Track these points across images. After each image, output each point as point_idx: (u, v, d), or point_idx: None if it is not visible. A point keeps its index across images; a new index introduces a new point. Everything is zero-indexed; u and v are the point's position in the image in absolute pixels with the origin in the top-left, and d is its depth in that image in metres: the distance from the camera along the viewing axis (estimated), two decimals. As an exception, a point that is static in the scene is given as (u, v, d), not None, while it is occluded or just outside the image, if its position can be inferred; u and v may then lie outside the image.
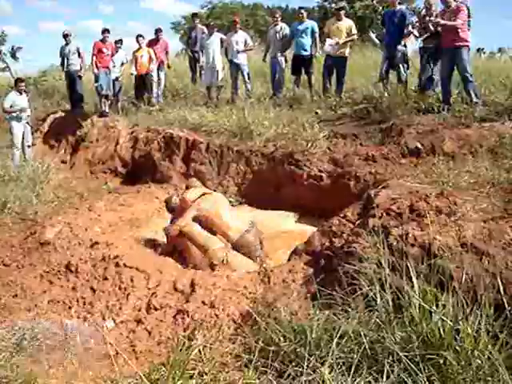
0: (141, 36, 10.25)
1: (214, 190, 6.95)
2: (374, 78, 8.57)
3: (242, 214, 6.26)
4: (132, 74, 10.35)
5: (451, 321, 2.54)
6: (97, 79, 10.02)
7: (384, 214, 3.99)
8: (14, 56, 16.78)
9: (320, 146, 6.67)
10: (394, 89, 7.68)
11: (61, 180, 7.56)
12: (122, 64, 10.52)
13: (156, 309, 3.94)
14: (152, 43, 10.43)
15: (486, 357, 2.36)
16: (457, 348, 2.43)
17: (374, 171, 5.82)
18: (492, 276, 2.95)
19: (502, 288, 2.78)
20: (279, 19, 9.41)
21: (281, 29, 9.27)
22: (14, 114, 8.25)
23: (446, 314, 2.59)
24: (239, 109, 8.24)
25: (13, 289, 4.38)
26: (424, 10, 7.47)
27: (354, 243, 3.77)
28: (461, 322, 2.53)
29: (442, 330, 2.52)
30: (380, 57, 8.62)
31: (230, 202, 6.94)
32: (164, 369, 2.81)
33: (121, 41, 10.57)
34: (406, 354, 2.46)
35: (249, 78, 9.90)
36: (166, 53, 10.90)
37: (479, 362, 2.36)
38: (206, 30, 10.47)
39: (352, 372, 2.47)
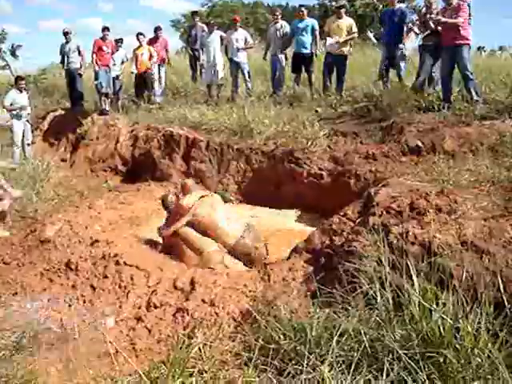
0: (141, 34, 10.24)
1: (215, 191, 6.98)
2: (375, 76, 8.57)
3: (242, 212, 6.26)
4: (132, 73, 10.35)
5: (451, 319, 2.53)
6: (97, 77, 10.03)
7: (384, 212, 3.99)
8: (13, 54, 16.76)
9: (320, 144, 6.67)
10: (394, 87, 7.67)
11: (61, 178, 7.57)
12: (123, 62, 10.53)
13: (156, 307, 3.94)
14: (152, 41, 10.44)
15: (485, 355, 2.36)
16: (457, 346, 2.43)
17: (375, 169, 5.82)
18: (492, 274, 2.95)
19: (502, 286, 2.78)
20: (279, 17, 9.41)
21: (281, 27, 9.26)
22: (14, 112, 8.25)
23: (446, 312, 2.59)
24: (239, 107, 8.24)
25: (13, 287, 4.38)
26: (424, 8, 7.45)
27: (354, 241, 3.77)
28: (461, 321, 2.53)
29: (442, 328, 2.52)
30: (380, 55, 8.61)
31: (230, 200, 6.96)
32: (164, 367, 2.81)
33: (121, 40, 10.57)
34: (405, 352, 2.46)
35: (249, 76, 9.90)
36: (166, 50, 10.90)
37: (479, 360, 2.36)
38: (206, 28, 10.47)
39: (352, 370, 2.46)
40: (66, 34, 10.24)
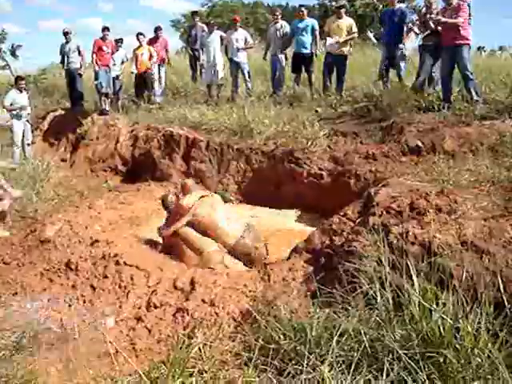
0: (141, 34, 10.24)
1: (215, 191, 6.97)
2: (375, 76, 8.57)
3: (242, 212, 6.27)
4: (132, 73, 10.35)
5: (451, 319, 2.53)
6: (97, 77, 10.03)
7: (384, 212, 3.99)
8: (13, 54, 16.76)
9: (320, 144, 6.67)
10: (394, 87, 7.67)
11: (61, 178, 7.57)
12: (122, 62, 10.53)
13: (156, 307, 3.94)
14: (152, 41, 10.44)
15: (485, 355, 2.36)
16: (457, 346, 2.43)
17: (375, 169, 5.82)
18: (492, 274, 2.95)
19: (502, 286, 2.78)
20: (279, 17, 9.41)
21: (281, 27, 9.26)
22: (14, 112, 8.26)
23: (446, 312, 2.59)
24: (239, 107, 8.24)
25: (13, 287, 4.38)
26: (424, 8, 7.45)
27: (354, 241, 3.77)
28: (461, 321, 2.53)
29: (441, 328, 2.52)
30: (380, 55, 8.61)
31: (231, 200, 6.96)
32: (164, 367, 2.81)
33: (121, 40, 10.57)
34: (405, 352, 2.46)
35: (249, 77, 9.90)
36: (166, 51, 10.90)
37: (479, 360, 2.36)
38: (206, 28, 10.47)
39: (352, 370, 2.46)
40: (65, 33, 10.24)
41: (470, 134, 5.79)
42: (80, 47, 10.40)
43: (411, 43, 8.02)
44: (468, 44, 6.70)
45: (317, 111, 7.99)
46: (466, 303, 2.64)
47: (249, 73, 9.87)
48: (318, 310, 3.08)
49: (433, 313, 2.61)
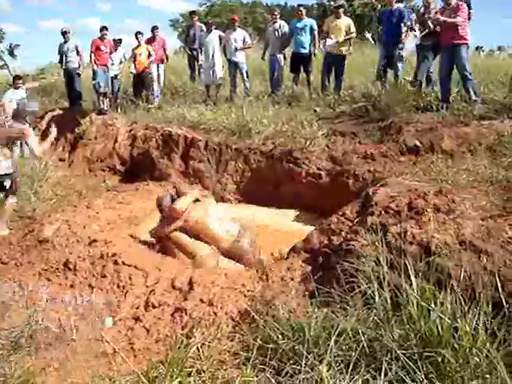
0: (140, 33, 10.22)
1: (213, 191, 6.98)
2: (373, 76, 8.57)
3: (240, 212, 6.27)
4: (131, 73, 10.35)
5: (449, 319, 2.54)
6: (95, 77, 10.02)
7: (382, 212, 3.99)
8: (11, 53, 16.71)
9: (319, 144, 6.67)
10: (392, 87, 7.68)
11: (59, 178, 7.55)
12: (121, 62, 10.51)
13: (154, 307, 3.94)
14: (149, 41, 10.42)
15: (484, 354, 2.36)
16: (455, 346, 2.43)
17: (373, 169, 5.82)
18: (490, 274, 2.95)
19: (500, 286, 2.78)
20: (278, 17, 9.40)
21: (280, 26, 9.25)
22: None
23: (444, 311, 2.59)
24: (238, 107, 8.23)
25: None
26: (422, 8, 7.46)
27: (352, 241, 3.77)
28: (459, 320, 2.53)
29: (440, 327, 2.52)
30: (378, 55, 8.62)
31: (229, 200, 6.96)
32: (162, 367, 2.81)
33: (120, 40, 10.56)
34: (404, 351, 2.46)
35: (247, 76, 9.89)
36: (164, 50, 10.88)
37: (477, 359, 2.36)
38: (204, 28, 10.45)
39: (350, 370, 2.46)
40: (64, 33, 10.21)
41: (468, 134, 5.80)
42: (78, 47, 10.37)
43: (410, 43, 8.02)
44: (466, 44, 6.71)
45: (315, 111, 7.99)
46: (464, 303, 2.64)
47: (247, 72, 9.86)
48: (316, 310, 3.08)
49: (431, 312, 2.61)
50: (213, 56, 9.79)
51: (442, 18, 6.65)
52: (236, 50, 9.57)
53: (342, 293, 3.10)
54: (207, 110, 8.64)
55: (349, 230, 4.18)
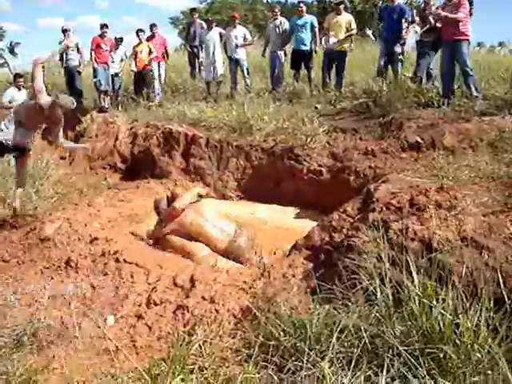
0: (141, 31, 10.19)
1: (214, 188, 6.98)
2: (374, 72, 8.55)
3: (241, 209, 6.27)
4: (132, 71, 10.34)
5: (451, 315, 2.53)
6: (95, 75, 10.01)
7: (384, 209, 3.98)
8: (12, 52, 16.73)
9: (320, 141, 6.66)
10: (393, 83, 7.66)
11: (60, 176, 7.56)
12: (122, 60, 10.50)
13: (156, 304, 3.95)
14: (149, 39, 10.39)
15: (485, 350, 2.36)
16: (457, 342, 2.43)
17: (374, 165, 5.81)
18: (492, 270, 2.95)
19: (501, 282, 2.78)
20: (278, 14, 9.38)
21: (280, 23, 9.23)
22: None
23: (445, 308, 2.59)
24: (239, 104, 8.22)
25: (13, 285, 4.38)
26: (423, 5, 7.44)
27: (353, 238, 3.77)
28: (460, 316, 2.53)
29: (441, 324, 2.52)
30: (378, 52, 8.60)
31: (230, 197, 6.96)
32: (164, 364, 2.82)
33: (121, 39, 10.54)
34: (405, 348, 2.46)
35: (248, 73, 9.88)
36: (165, 48, 10.87)
37: (479, 355, 2.36)
38: (204, 25, 10.44)
39: (352, 366, 2.47)
40: (64, 31, 10.20)
41: (469, 130, 5.78)
42: (79, 45, 10.36)
43: (410, 38, 8.01)
44: (467, 40, 6.68)
45: (316, 108, 7.98)
46: (465, 299, 2.64)
47: (248, 69, 9.85)
48: (317, 307, 3.08)
49: (433, 309, 2.61)
50: (213, 53, 9.78)
51: (444, 14, 6.63)
52: (236, 47, 9.56)
53: (344, 289, 3.10)
54: (208, 108, 8.63)
55: (350, 226, 4.18)
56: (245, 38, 9.67)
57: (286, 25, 9.19)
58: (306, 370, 2.52)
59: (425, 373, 2.34)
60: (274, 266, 4.19)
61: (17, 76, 8.74)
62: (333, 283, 3.27)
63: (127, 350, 3.35)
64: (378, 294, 2.88)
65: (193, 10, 11.84)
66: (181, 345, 2.91)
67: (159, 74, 10.56)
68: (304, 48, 8.94)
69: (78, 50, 10.32)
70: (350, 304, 2.94)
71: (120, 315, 3.88)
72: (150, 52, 10.05)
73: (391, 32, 7.90)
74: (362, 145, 6.37)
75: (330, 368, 2.45)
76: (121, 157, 8.67)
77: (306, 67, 9.23)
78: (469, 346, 2.40)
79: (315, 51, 9.07)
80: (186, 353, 2.86)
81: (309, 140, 6.65)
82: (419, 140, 5.96)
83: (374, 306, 2.87)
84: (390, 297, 2.84)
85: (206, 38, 9.94)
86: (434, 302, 2.64)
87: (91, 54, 9.99)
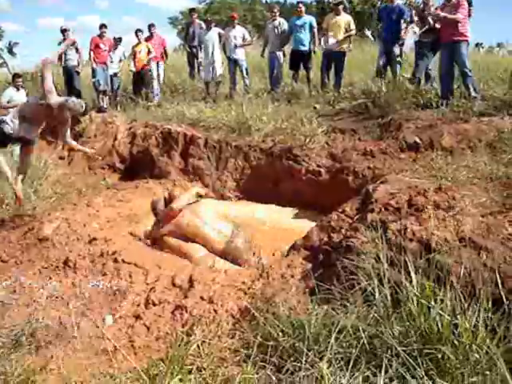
0: (140, 31, 10.20)
1: (213, 189, 6.97)
2: (373, 72, 8.56)
3: (240, 209, 6.26)
4: (131, 71, 10.34)
5: (449, 315, 2.54)
6: (94, 75, 10.00)
7: (382, 209, 3.99)
8: (10, 51, 16.71)
9: (318, 141, 6.66)
10: (392, 84, 7.67)
11: (59, 176, 7.54)
12: (121, 60, 10.50)
13: (154, 304, 3.94)
14: (147, 39, 10.39)
15: (484, 351, 2.36)
16: (455, 342, 2.44)
17: (373, 166, 5.81)
18: (490, 270, 2.95)
19: (500, 282, 2.78)
20: (277, 14, 9.38)
21: (279, 24, 9.24)
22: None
23: (444, 308, 2.59)
24: (237, 104, 8.21)
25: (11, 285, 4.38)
26: (422, 5, 7.44)
27: (352, 238, 3.77)
28: (459, 317, 2.53)
29: (440, 324, 2.52)
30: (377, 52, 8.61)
31: (229, 197, 6.96)
32: (162, 364, 2.82)
33: (120, 39, 10.54)
34: (404, 348, 2.46)
35: (247, 74, 9.88)
36: (164, 49, 10.87)
37: (477, 356, 2.36)
38: (203, 25, 10.44)
39: (350, 367, 2.47)
40: (63, 31, 10.18)
41: (468, 131, 5.79)
42: (77, 45, 10.35)
43: (409, 39, 8.02)
44: (466, 40, 6.69)
45: (315, 108, 7.98)
46: (464, 299, 2.65)
47: (247, 70, 9.86)
48: (316, 307, 3.08)
49: (431, 309, 2.62)
50: (212, 53, 9.79)
51: (443, 14, 6.63)
52: (235, 47, 9.57)
53: (342, 290, 3.10)
54: (207, 108, 8.63)
55: (349, 227, 4.18)
56: (244, 39, 9.67)
57: (285, 25, 9.20)
58: (304, 371, 2.52)
59: (423, 373, 2.34)
60: (272, 267, 4.19)
61: (15, 76, 8.72)
62: (331, 283, 3.27)
63: (125, 350, 3.35)
64: (377, 295, 2.89)
65: (192, 10, 11.85)
66: (179, 345, 2.91)
67: (158, 74, 10.56)
68: (303, 48, 8.95)
69: (76, 49, 10.31)
70: (348, 304, 2.95)
71: (118, 315, 3.87)
72: (149, 52, 10.06)
73: (390, 32, 7.92)
74: (361, 145, 6.37)
75: (328, 368, 2.46)
76: (120, 157, 8.66)
77: (304, 68, 9.24)
78: (467, 346, 2.40)
79: (314, 52, 9.08)
80: (185, 353, 2.86)
81: (307, 140, 6.65)
82: (418, 141, 5.97)
83: (373, 306, 2.87)
84: (389, 297, 2.84)
85: (205, 38, 9.94)
86: (433, 303, 2.64)
87: (90, 54, 9.98)
